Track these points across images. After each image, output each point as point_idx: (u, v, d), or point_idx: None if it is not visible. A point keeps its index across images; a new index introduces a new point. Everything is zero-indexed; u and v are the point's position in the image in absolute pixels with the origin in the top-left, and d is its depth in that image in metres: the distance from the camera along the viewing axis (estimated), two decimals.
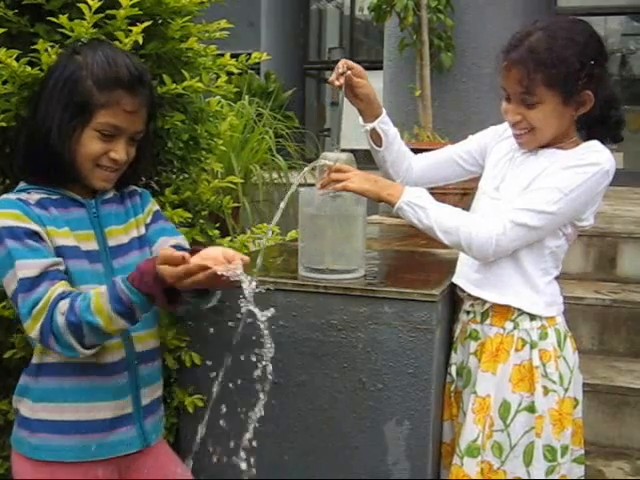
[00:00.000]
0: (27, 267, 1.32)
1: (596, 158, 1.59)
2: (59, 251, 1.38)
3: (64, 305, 1.31)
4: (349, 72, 1.74)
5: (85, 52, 1.41)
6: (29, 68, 1.53)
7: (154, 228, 1.56)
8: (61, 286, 1.34)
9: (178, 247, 1.51)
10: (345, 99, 1.80)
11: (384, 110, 1.86)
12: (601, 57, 1.60)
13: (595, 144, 1.63)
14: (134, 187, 1.59)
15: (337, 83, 1.74)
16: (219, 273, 1.24)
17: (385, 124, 1.85)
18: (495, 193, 1.71)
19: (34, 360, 1.46)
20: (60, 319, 1.30)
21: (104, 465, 1.46)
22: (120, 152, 1.42)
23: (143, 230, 1.54)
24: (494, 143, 1.80)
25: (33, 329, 1.31)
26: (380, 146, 1.86)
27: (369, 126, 1.83)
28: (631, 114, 7.81)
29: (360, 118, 1.86)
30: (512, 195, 1.64)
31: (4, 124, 1.56)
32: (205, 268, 1.24)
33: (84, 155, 1.40)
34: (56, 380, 1.42)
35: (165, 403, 1.88)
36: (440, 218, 1.61)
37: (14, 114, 1.58)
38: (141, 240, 1.53)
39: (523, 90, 1.59)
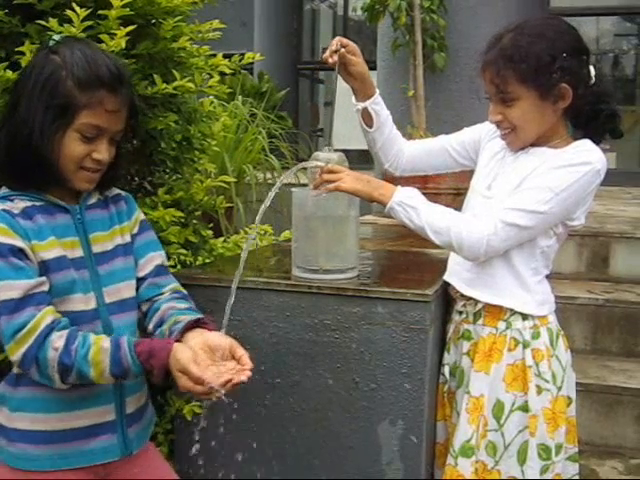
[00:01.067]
0: (10, 288, 1.30)
1: (587, 157, 1.59)
2: (45, 265, 1.35)
3: (58, 340, 1.30)
4: (343, 50, 1.73)
5: (63, 51, 1.37)
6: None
7: (141, 240, 1.55)
8: (48, 313, 1.32)
9: (161, 268, 1.56)
10: (338, 84, 1.78)
11: (377, 90, 1.84)
12: (576, 51, 1.60)
13: (586, 143, 1.63)
14: (118, 191, 1.57)
15: (331, 60, 1.72)
16: (243, 379, 1.31)
17: (377, 105, 1.83)
18: (487, 192, 1.71)
19: (14, 369, 1.42)
20: (51, 354, 1.29)
21: (82, 472, 1.43)
22: (103, 152, 1.39)
23: (129, 238, 1.53)
24: (487, 140, 1.80)
25: (15, 353, 1.31)
26: (371, 127, 1.84)
27: (360, 105, 1.82)
28: (623, 114, 7.84)
29: (353, 97, 1.84)
30: (503, 194, 1.64)
31: None
32: (225, 384, 1.29)
33: (67, 157, 1.37)
34: (36, 390, 1.39)
35: (162, 410, 1.88)
36: (431, 218, 1.61)
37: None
38: (126, 248, 1.51)
39: (497, 89, 1.61)
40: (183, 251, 1.98)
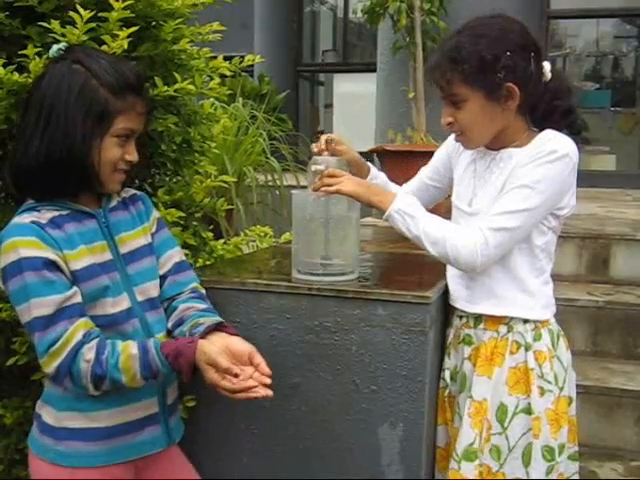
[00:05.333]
0: (42, 305, 1.34)
1: (552, 146, 1.58)
2: (74, 276, 1.39)
3: (89, 353, 1.35)
4: (334, 143, 1.77)
5: (86, 61, 1.41)
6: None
7: (159, 238, 1.60)
8: (81, 326, 1.36)
9: (180, 264, 1.61)
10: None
11: (372, 166, 1.89)
12: (520, 48, 1.59)
13: (548, 133, 1.62)
14: (133, 191, 1.61)
15: (322, 147, 1.77)
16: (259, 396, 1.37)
17: (376, 178, 1.88)
18: (469, 208, 1.71)
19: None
20: (84, 366, 1.34)
21: (124, 466, 1.48)
22: (133, 153, 1.46)
23: (150, 238, 1.58)
24: (456, 155, 1.80)
25: (49, 366, 1.36)
26: None
27: None
28: (623, 116, 7.84)
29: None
30: (486, 207, 1.65)
31: None
32: (249, 388, 1.35)
33: (106, 162, 1.42)
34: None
35: None
36: (428, 228, 1.61)
37: (4, 117, 1.57)
38: (151, 247, 1.57)
39: (443, 92, 1.62)
40: (185, 252, 1.98)
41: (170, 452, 1.59)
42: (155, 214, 1.62)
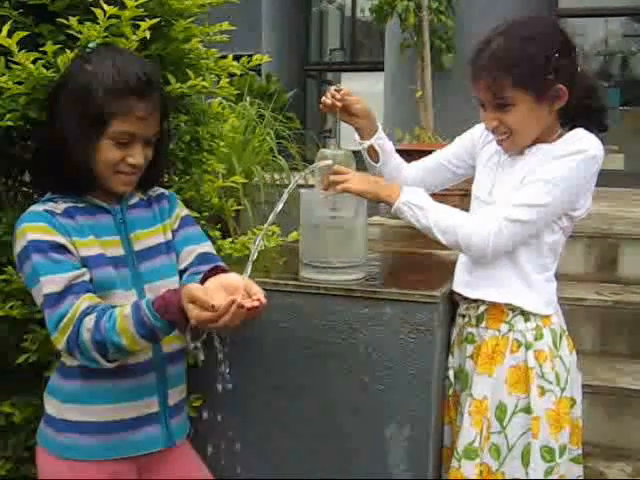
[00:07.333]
0: (52, 282, 1.36)
1: (581, 145, 1.58)
2: (84, 261, 1.41)
3: (90, 321, 1.34)
4: (343, 91, 1.77)
5: (95, 61, 1.42)
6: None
7: (180, 235, 1.58)
8: (86, 300, 1.37)
9: (206, 255, 1.56)
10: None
11: (379, 125, 1.86)
12: (565, 49, 1.59)
13: (579, 132, 1.62)
14: (161, 190, 1.61)
15: (329, 102, 1.76)
16: (247, 305, 1.28)
17: (381, 139, 1.85)
18: (489, 198, 1.71)
19: (65, 361, 1.48)
20: (86, 335, 1.34)
21: (124, 463, 1.49)
22: (137, 157, 1.44)
23: (170, 236, 1.57)
24: (481, 145, 1.79)
25: (60, 342, 1.36)
26: (377, 162, 1.86)
27: (366, 143, 1.83)
28: (632, 115, 7.82)
29: (356, 135, 1.86)
30: (506, 197, 1.64)
31: (10, 123, 1.57)
32: (230, 305, 1.27)
33: (102, 163, 1.42)
34: (83, 382, 1.45)
35: None
36: (438, 217, 1.61)
37: (21, 114, 1.58)
38: (169, 245, 1.56)
39: (493, 96, 1.60)
40: None
41: (179, 450, 1.58)
42: (179, 212, 1.60)
